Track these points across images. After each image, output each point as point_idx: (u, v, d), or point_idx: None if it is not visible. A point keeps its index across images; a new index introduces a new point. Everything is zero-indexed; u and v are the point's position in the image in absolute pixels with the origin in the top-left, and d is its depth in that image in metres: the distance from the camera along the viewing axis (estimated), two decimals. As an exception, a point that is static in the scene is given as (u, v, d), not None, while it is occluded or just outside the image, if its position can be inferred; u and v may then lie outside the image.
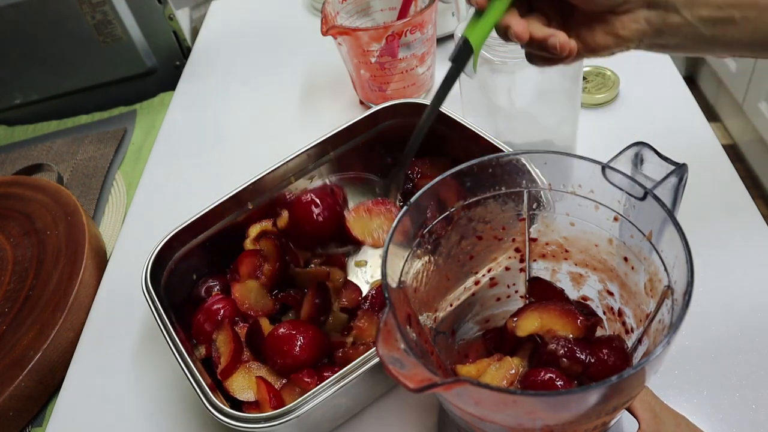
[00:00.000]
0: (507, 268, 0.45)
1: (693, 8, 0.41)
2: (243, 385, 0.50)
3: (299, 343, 0.50)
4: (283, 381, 0.50)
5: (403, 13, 0.77)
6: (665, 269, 0.34)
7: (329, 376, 0.43)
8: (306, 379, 0.48)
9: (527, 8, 0.44)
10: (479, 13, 0.43)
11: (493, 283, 0.46)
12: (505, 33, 0.43)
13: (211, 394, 0.44)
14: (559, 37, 0.42)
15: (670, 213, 0.33)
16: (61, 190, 0.74)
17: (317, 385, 0.43)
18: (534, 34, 0.42)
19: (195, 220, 0.56)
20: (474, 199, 0.40)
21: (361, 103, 0.83)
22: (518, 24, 0.42)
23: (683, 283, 0.31)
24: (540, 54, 0.44)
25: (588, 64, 0.76)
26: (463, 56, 0.44)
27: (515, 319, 0.42)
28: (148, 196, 0.78)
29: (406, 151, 0.51)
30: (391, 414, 0.51)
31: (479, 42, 0.44)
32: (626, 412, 0.41)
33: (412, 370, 0.29)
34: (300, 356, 0.50)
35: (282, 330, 0.51)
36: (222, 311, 0.54)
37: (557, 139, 0.65)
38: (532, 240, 0.44)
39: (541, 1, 0.44)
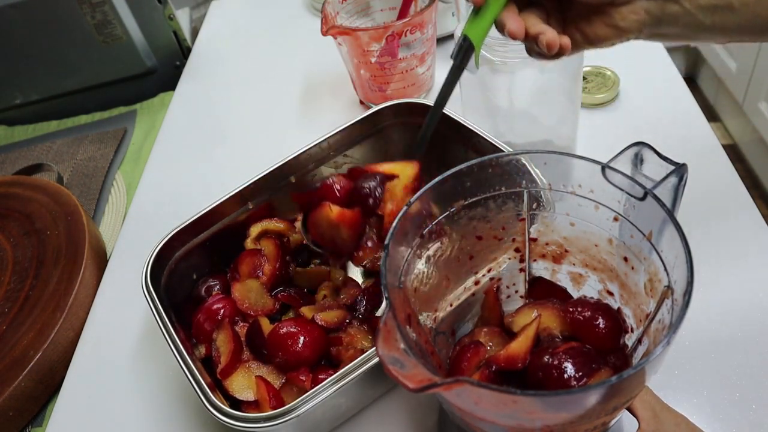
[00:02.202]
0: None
1: None
2: (243, 384, 0.50)
3: (302, 340, 0.50)
4: (283, 380, 0.51)
5: (403, 13, 0.77)
6: (665, 269, 0.34)
7: (323, 379, 0.43)
8: (301, 377, 0.48)
9: (526, 2, 0.44)
10: (477, 10, 0.43)
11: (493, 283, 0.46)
12: (502, 30, 0.43)
13: (210, 394, 0.44)
14: (547, 35, 0.42)
15: (670, 213, 0.33)
16: (61, 190, 0.74)
17: (312, 383, 0.43)
18: (528, 30, 0.42)
19: (195, 220, 0.56)
20: (474, 199, 0.40)
21: (361, 103, 0.83)
22: (514, 21, 0.42)
23: (683, 283, 0.31)
24: (537, 50, 0.44)
25: (588, 64, 0.76)
26: (464, 53, 0.45)
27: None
28: (148, 196, 0.78)
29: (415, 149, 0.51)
30: (391, 414, 0.51)
31: (480, 38, 0.44)
32: (626, 411, 0.41)
33: (412, 370, 0.29)
34: (302, 353, 0.50)
35: (286, 328, 0.51)
36: (222, 311, 0.54)
37: (557, 139, 0.65)
38: (532, 240, 0.44)
39: None
